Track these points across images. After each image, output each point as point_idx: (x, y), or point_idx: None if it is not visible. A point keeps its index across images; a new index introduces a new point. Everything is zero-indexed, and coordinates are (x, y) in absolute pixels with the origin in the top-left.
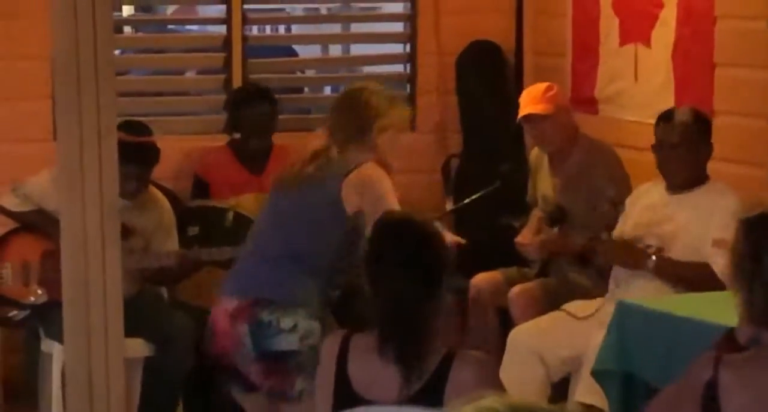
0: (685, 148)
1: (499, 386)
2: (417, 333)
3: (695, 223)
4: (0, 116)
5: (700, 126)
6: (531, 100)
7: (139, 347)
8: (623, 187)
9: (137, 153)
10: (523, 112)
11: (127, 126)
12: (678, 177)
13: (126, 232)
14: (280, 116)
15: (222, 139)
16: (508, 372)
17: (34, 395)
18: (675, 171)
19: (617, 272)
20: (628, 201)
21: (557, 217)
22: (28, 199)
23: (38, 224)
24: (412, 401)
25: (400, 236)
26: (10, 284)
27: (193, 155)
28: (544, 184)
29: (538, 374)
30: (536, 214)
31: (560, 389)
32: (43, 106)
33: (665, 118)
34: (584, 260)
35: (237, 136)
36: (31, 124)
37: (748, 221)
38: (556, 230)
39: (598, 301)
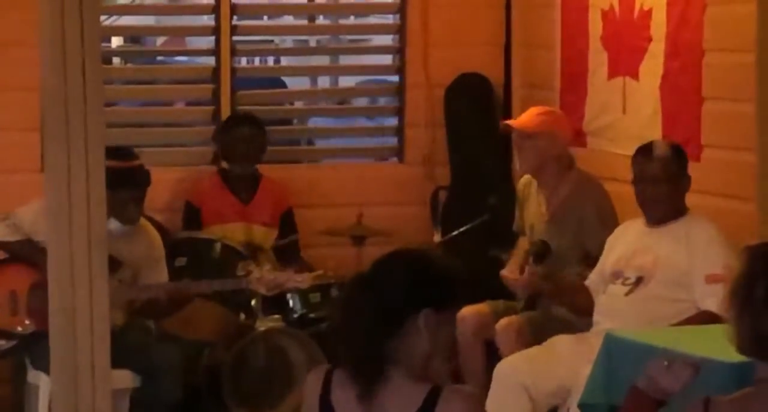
0: (665, 182)
1: None
2: (371, 366)
3: (675, 255)
4: None
5: (678, 159)
6: (523, 116)
7: (126, 379)
8: (610, 223)
9: (129, 177)
10: (508, 121)
11: (113, 152)
12: (658, 211)
13: (115, 264)
14: (269, 148)
15: (210, 171)
16: (493, 405)
17: None
18: (655, 205)
19: (601, 305)
20: (609, 240)
21: (541, 253)
22: (18, 229)
23: (27, 254)
24: None
25: (374, 267)
26: None
27: (183, 185)
28: (532, 214)
29: (524, 408)
30: (523, 243)
31: None
32: (32, 137)
33: (644, 152)
34: (568, 297)
35: (224, 165)
36: (20, 155)
37: (749, 250)
38: (540, 269)
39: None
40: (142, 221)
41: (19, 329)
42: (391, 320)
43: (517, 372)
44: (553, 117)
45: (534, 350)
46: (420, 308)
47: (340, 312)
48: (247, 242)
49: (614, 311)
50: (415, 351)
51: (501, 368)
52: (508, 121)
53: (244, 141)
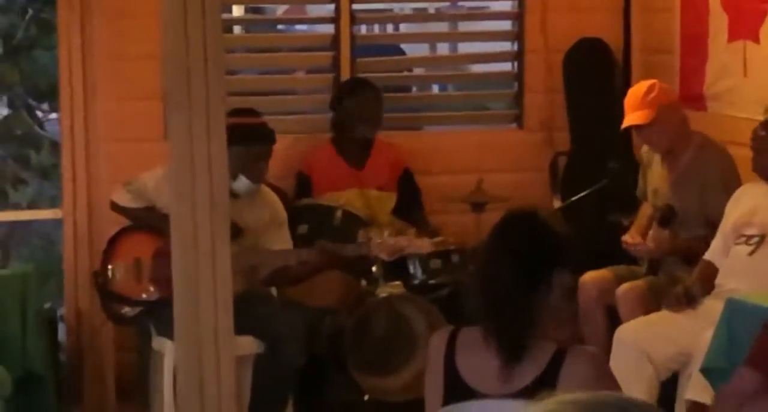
0: None
1: (613, 383)
2: (518, 325)
3: None
4: (112, 116)
5: None
6: (631, 107)
7: (249, 345)
8: (732, 189)
9: (257, 134)
10: (625, 122)
11: (237, 112)
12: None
13: (236, 231)
14: (388, 115)
15: (322, 139)
16: (615, 370)
17: (147, 393)
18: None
19: (725, 267)
20: (729, 203)
21: (668, 216)
22: (141, 195)
23: (149, 220)
24: (524, 394)
25: (509, 228)
26: (122, 282)
27: (295, 153)
28: (656, 179)
29: (646, 373)
30: (645, 209)
31: (669, 389)
32: (154, 106)
33: None
34: (692, 260)
35: (336, 133)
36: (143, 123)
37: None
38: (666, 232)
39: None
40: (263, 187)
41: (144, 296)
42: (531, 281)
43: (638, 338)
44: (657, 91)
45: (654, 315)
46: (554, 268)
47: (478, 277)
48: (365, 206)
49: (738, 272)
50: (544, 312)
51: (621, 334)
52: (626, 124)
53: (362, 106)
